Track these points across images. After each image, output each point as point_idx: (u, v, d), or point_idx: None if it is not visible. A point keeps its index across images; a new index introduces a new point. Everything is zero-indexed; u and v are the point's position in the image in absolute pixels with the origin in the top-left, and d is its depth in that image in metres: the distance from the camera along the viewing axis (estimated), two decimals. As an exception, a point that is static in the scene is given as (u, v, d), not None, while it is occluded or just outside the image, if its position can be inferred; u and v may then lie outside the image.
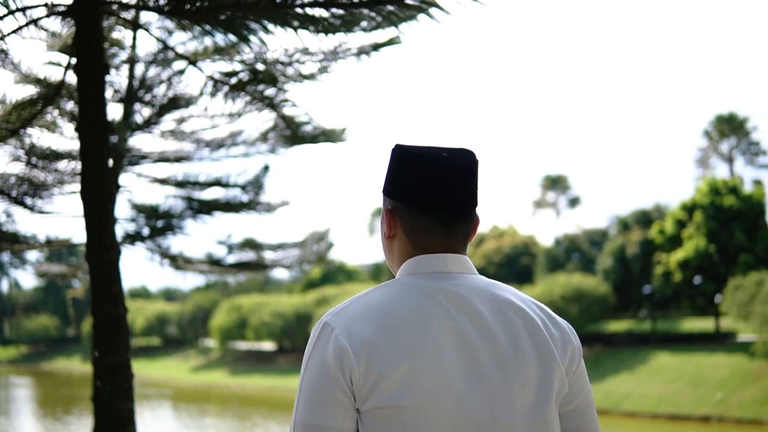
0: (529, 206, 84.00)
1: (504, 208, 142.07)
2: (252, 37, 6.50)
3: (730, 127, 64.74)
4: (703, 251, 46.07)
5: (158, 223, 11.55)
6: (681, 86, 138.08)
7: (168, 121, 10.97)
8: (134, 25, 8.76)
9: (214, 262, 12.58)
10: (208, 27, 6.48)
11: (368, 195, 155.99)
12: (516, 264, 61.47)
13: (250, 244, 12.90)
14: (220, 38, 7.04)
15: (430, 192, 2.09)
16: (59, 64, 8.18)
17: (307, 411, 1.95)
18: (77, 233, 10.46)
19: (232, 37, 6.72)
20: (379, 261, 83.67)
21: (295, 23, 6.16)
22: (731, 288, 40.46)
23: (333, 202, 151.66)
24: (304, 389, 1.99)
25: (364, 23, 6.35)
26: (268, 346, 70.78)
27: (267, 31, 6.28)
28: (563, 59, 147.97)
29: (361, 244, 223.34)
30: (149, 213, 11.49)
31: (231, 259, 12.82)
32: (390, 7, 5.90)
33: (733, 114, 64.97)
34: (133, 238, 11.38)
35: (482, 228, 66.00)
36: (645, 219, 56.41)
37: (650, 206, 58.12)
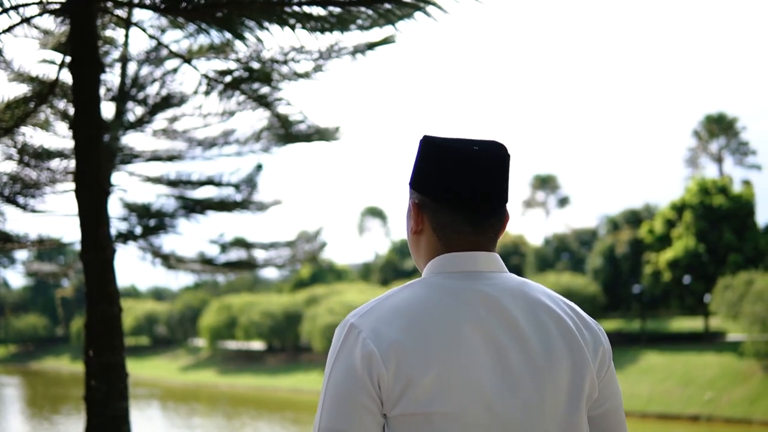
0: (519, 206, 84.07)
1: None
2: (248, 35, 6.48)
3: (720, 127, 64.89)
4: (692, 251, 46.17)
5: (150, 222, 11.51)
6: (671, 86, 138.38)
7: (160, 120, 10.95)
8: (127, 23, 8.73)
9: (206, 261, 12.55)
10: (203, 25, 6.45)
11: (358, 194, 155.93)
12: (505, 263, 60.80)
13: (242, 244, 12.88)
14: (215, 36, 7.00)
15: (460, 187, 2.00)
16: (53, 62, 8.16)
17: (332, 416, 1.87)
18: (67, 232, 10.40)
19: (228, 35, 6.69)
20: (368, 261, 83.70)
21: (291, 21, 6.14)
22: (720, 288, 40.57)
23: (322, 202, 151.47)
24: (330, 394, 1.90)
25: (359, 21, 6.33)
26: (257, 345, 70.73)
27: (263, 27, 6.26)
28: (553, 60, 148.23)
29: (350, 243, 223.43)
30: (141, 212, 11.46)
31: (223, 258, 12.80)
32: (387, 5, 5.89)
33: (723, 114, 65.13)
34: (125, 237, 11.35)
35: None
36: (634, 218, 56.54)
37: (640, 206, 58.26)
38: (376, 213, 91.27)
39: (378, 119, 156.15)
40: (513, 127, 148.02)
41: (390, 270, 73.44)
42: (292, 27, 6.19)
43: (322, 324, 56.03)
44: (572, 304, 2.10)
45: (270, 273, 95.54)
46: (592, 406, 2.05)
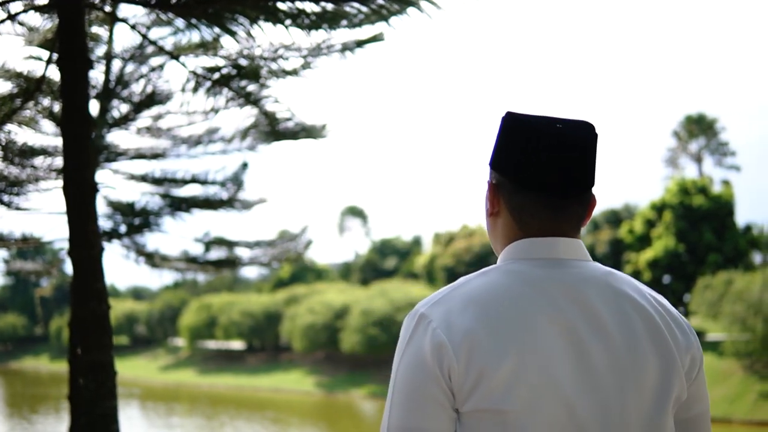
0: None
1: (473, 207, 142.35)
2: (238, 31, 6.44)
3: (699, 127, 65.14)
4: (672, 251, 46.31)
5: (135, 220, 11.44)
6: (650, 86, 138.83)
7: (145, 118, 10.89)
8: (113, 18, 8.67)
9: (190, 260, 12.48)
10: (193, 21, 6.41)
11: (338, 194, 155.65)
12: (486, 263, 61.34)
13: (226, 242, 12.81)
14: (204, 32, 6.96)
15: (541, 167, 1.87)
16: (40, 59, 8.10)
17: (404, 412, 1.78)
18: (48, 230, 10.32)
19: (217, 31, 6.65)
20: (348, 260, 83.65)
21: (283, 17, 6.11)
22: (700, 287, 40.74)
23: (302, 201, 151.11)
24: (398, 388, 1.80)
25: (350, 18, 6.31)
26: (237, 345, 70.53)
27: (254, 22, 6.23)
28: (531, 59, 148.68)
29: (330, 242, 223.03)
30: (126, 210, 11.39)
31: (208, 256, 12.73)
32: (380, 1, 5.87)
33: (703, 114, 65.39)
34: (109, 235, 11.28)
35: (452, 227, 65.95)
36: (614, 218, 56.71)
37: (619, 206, 58.42)
38: (356, 212, 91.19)
39: (358, 118, 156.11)
40: (493, 126, 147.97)
41: (370, 270, 73.39)
42: (284, 23, 6.17)
43: (303, 323, 55.93)
44: (662, 299, 1.97)
45: (250, 272, 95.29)
46: (680, 409, 1.94)
